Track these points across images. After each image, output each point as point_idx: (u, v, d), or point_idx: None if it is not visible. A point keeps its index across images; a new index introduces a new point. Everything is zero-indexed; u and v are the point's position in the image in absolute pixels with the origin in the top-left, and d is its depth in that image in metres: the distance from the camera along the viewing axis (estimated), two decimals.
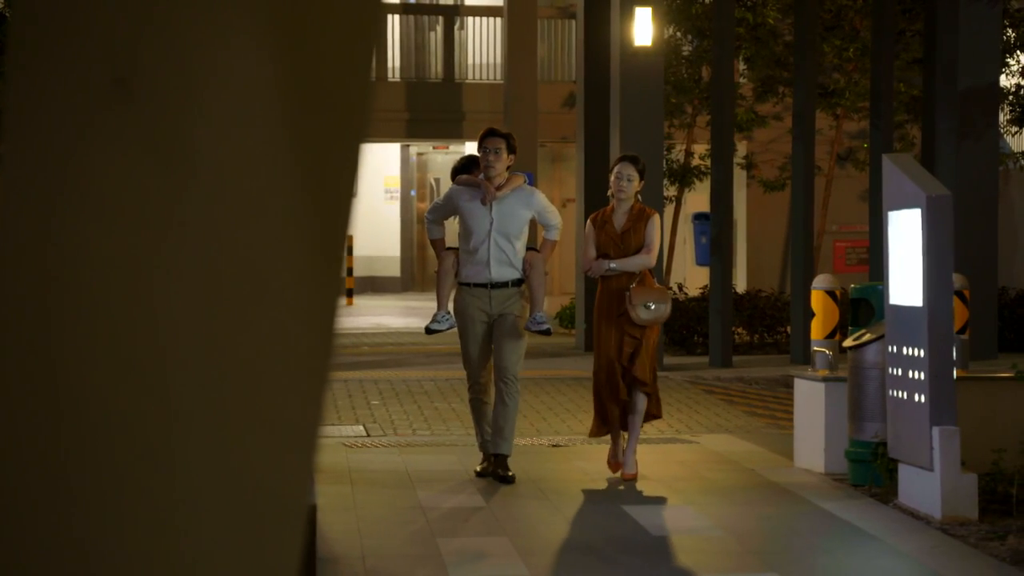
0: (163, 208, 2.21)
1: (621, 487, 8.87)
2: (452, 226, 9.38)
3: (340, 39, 2.28)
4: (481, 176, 9.07)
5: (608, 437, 9.26)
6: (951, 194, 8.11)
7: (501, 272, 9.00)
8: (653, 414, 9.16)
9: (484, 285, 9.00)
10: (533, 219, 9.14)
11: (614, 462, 9.18)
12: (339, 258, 2.34)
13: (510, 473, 8.95)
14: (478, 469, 9.12)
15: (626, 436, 9.15)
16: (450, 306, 9.18)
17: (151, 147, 2.21)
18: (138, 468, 2.20)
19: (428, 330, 9.22)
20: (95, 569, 2.20)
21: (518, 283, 9.06)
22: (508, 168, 9.05)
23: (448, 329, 9.13)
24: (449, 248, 9.22)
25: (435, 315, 9.15)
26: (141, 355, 2.16)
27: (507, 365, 8.94)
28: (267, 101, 2.21)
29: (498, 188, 8.96)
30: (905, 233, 8.22)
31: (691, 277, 23.41)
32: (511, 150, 9.03)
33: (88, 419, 2.18)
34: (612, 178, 9.17)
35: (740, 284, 23.40)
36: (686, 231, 24.16)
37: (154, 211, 2.22)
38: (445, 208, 9.25)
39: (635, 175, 9.09)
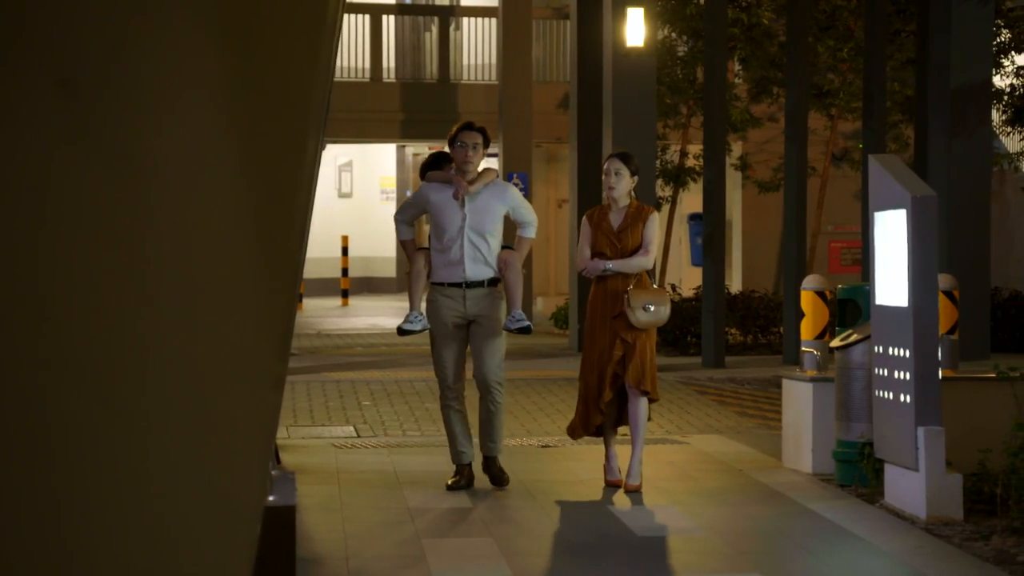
0: (108, 209, 2.21)
1: (627, 496, 8.75)
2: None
3: (287, 41, 2.28)
4: (453, 171, 8.74)
5: (597, 439, 9.05)
6: (936, 195, 8.10)
7: (476, 271, 8.64)
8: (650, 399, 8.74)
9: (459, 285, 8.64)
10: (508, 218, 8.76)
11: (611, 477, 8.80)
12: (290, 261, 2.34)
13: (504, 476, 8.79)
14: (449, 483, 8.73)
15: (611, 441, 8.87)
16: (422, 307, 8.82)
17: (96, 148, 2.21)
18: (87, 469, 2.20)
19: (400, 331, 8.76)
20: (49, 565, 2.20)
21: (494, 283, 8.71)
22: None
23: (421, 330, 8.73)
24: (420, 248, 8.85)
25: (407, 315, 8.74)
26: (84, 355, 2.16)
27: (489, 372, 8.67)
28: (214, 102, 2.22)
29: (470, 182, 8.63)
30: (891, 233, 8.22)
31: (687, 278, 23.42)
32: (486, 144, 8.77)
33: (33, 420, 2.18)
34: (603, 176, 8.87)
35: (736, 285, 23.42)
36: (682, 232, 24.18)
37: (100, 212, 2.22)
38: (415, 207, 8.91)
39: (624, 170, 8.74)
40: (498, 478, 8.79)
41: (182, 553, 2.09)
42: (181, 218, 2.16)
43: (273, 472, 6.09)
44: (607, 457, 8.87)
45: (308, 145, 2.33)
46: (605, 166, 8.90)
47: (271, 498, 5.53)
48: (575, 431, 8.93)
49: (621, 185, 8.77)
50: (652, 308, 8.59)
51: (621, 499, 8.54)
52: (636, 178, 8.86)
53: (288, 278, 2.26)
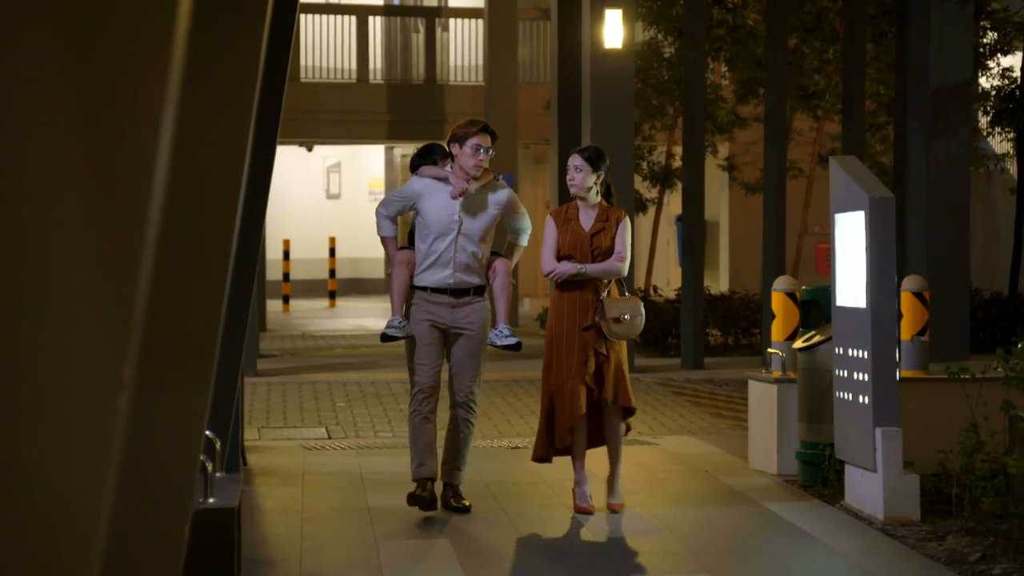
0: None
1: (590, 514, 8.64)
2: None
3: (132, 43, 2.28)
4: (448, 167, 8.14)
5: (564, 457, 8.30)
6: (893, 197, 8.11)
7: (464, 277, 8.09)
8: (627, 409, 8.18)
9: (444, 291, 8.08)
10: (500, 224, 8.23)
11: (582, 503, 8.10)
12: (134, 260, 2.34)
13: (465, 502, 8.17)
14: (415, 494, 8.06)
15: (590, 461, 8.25)
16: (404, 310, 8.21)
17: None
18: None
19: (384, 337, 8.13)
20: None
21: (480, 291, 8.15)
22: None
23: (405, 337, 8.09)
24: (402, 248, 8.23)
25: (390, 321, 8.12)
26: None
27: (468, 390, 8.12)
28: (58, 104, 2.22)
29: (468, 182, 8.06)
30: (851, 235, 8.23)
31: (675, 278, 23.41)
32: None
33: None
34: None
35: (723, 286, 23.42)
36: (670, 233, 24.19)
37: None
38: (403, 201, 8.18)
39: (584, 164, 8.08)
40: (460, 507, 8.15)
41: (12, 553, 2.09)
42: (17, 217, 2.16)
43: (218, 475, 6.10)
44: (577, 482, 8.17)
45: (161, 149, 2.33)
46: (567, 164, 8.27)
47: (211, 500, 5.54)
48: (543, 452, 8.22)
49: (579, 178, 8.09)
50: (627, 318, 7.99)
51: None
52: (601, 174, 8.14)
53: (133, 281, 2.26)
